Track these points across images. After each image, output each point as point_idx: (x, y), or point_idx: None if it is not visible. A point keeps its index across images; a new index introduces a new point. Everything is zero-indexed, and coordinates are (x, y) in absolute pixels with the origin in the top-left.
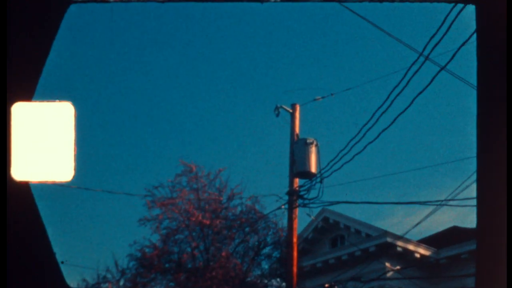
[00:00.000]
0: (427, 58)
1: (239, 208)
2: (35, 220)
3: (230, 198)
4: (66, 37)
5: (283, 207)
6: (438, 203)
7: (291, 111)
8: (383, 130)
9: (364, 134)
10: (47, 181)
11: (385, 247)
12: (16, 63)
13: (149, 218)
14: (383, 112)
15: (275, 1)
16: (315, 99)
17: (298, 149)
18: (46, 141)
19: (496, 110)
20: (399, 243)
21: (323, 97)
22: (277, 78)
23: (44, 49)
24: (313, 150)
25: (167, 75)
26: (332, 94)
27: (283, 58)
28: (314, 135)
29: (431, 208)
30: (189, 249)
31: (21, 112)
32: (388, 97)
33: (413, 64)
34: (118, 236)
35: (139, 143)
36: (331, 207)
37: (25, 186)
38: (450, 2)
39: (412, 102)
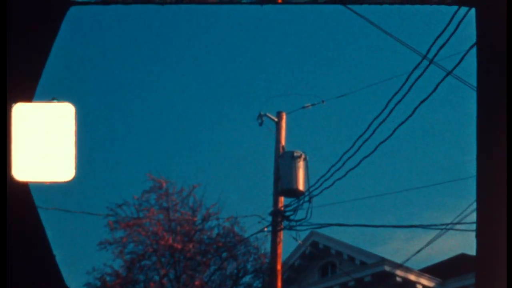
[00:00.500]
0: (431, 61)
1: (215, 231)
2: (35, 220)
3: (205, 219)
4: (67, 38)
5: (266, 229)
6: (443, 226)
7: (276, 120)
8: (381, 143)
9: (360, 147)
10: (47, 181)
11: (382, 277)
12: (16, 64)
13: (111, 241)
14: (381, 122)
15: (275, 4)
16: (303, 107)
17: (284, 163)
18: (47, 142)
19: (496, 111)
20: (399, 272)
21: (313, 105)
22: (263, 83)
23: (44, 50)
24: (301, 165)
25: (150, 79)
26: (323, 101)
27: (272, 62)
28: (303, 147)
29: (435, 233)
30: (157, 277)
31: (22, 113)
32: (386, 105)
33: (415, 68)
34: (73, 262)
35: (102, 154)
36: (321, 230)
37: (25, 186)
38: (450, 5)
39: (413, 112)
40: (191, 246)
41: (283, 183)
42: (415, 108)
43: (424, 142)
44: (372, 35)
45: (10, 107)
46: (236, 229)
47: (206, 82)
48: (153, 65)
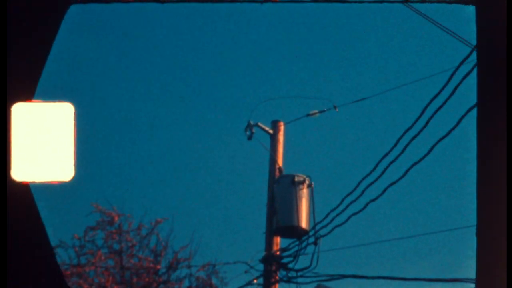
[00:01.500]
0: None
1: (186, 283)
2: (35, 220)
3: (172, 267)
4: (67, 37)
5: (255, 282)
6: None
7: (271, 131)
8: (414, 164)
9: (384, 171)
10: (47, 181)
11: None
12: (16, 63)
13: None
14: (413, 138)
15: (274, 2)
16: (309, 114)
17: (281, 191)
18: (46, 142)
19: (497, 111)
20: None
21: (321, 112)
22: (259, 85)
23: (44, 49)
24: (304, 194)
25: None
26: (335, 107)
27: (273, 61)
28: (307, 169)
29: None
30: None
31: (21, 112)
32: (397, 142)
33: (462, 63)
34: None
35: None
36: (331, 283)
37: (25, 186)
38: (449, 3)
39: (430, 150)
40: None
41: (280, 219)
42: (432, 147)
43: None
44: (389, 34)
45: (10, 107)
46: (214, 280)
47: (197, 84)
48: (153, 65)
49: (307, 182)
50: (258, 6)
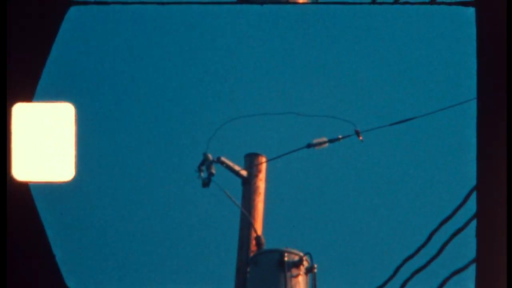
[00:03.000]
0: None
1: None
2: (35, 220)
3: None
4: (67, 37)
5: None
6: None
7: (245, 174)
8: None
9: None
10: (47, 181)
11: None
12: (16, 64)
13: None
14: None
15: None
16: (309, 145)
17: (261, 277)
18: (47, 142)
19: (497, 111)
20: None
21: (320, 144)
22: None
23: (44, 50)
24: (299, 282)
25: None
26: (339, 138)
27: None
28: (304, 240)
29: None
30: None
31: (22, 113)
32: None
33: None
34: None
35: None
36: None
37: (25, 186)
38: (449, 5)
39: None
40: None
41: None
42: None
43: None
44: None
45: (10, 107)
46: None
47: (197, 84)
48: (152, 65)
49: (305, 263)
50: (259, 7)
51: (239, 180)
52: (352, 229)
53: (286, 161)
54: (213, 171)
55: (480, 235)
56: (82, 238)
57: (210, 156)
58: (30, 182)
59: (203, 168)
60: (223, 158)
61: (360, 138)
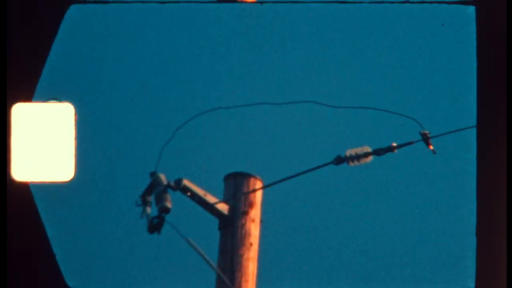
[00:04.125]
0: None
1: None
2: (35, 220)
3: None
4: (67, 37)
5: None
6: None
7: (225, 210)
8: None
9: None
10: (47, 181)
11: None
12: (16, 64)
13: None
14: None
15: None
16: (339, 160)
17: None
18: (46, 142)
19: (496, 111)
20: None
21: (359, 158)
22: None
23: (44, 50)
24: None
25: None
26: (411, 143)
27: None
28: None
29: None
30: None
31: (21, 113)
32: None
33: None
34: None
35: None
36: None
37: (25, 186)
38: (449, 3)
39: None
40: None
41: None
42: None
43: None
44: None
45: (10, 107)
46: None
47: (196, 84)
48: (153, 64)
49: None
50: (258, 6)
51: (215, 221)
52: None
53: (297, 185)
54: (168, 205)
55: (480, 235)
56: (82, 238)
57: (164, 178)
58: (30, 182)
59: (150, 198)
60: (186, 182)
61: (431, 147)
